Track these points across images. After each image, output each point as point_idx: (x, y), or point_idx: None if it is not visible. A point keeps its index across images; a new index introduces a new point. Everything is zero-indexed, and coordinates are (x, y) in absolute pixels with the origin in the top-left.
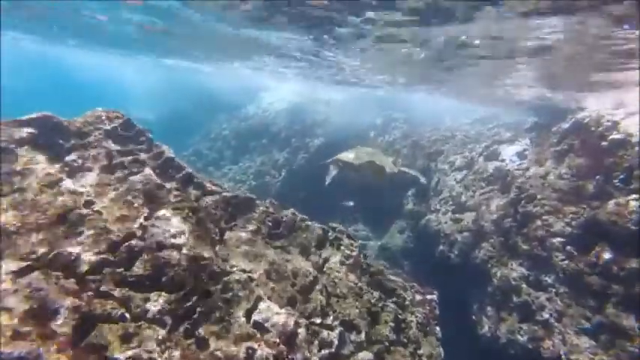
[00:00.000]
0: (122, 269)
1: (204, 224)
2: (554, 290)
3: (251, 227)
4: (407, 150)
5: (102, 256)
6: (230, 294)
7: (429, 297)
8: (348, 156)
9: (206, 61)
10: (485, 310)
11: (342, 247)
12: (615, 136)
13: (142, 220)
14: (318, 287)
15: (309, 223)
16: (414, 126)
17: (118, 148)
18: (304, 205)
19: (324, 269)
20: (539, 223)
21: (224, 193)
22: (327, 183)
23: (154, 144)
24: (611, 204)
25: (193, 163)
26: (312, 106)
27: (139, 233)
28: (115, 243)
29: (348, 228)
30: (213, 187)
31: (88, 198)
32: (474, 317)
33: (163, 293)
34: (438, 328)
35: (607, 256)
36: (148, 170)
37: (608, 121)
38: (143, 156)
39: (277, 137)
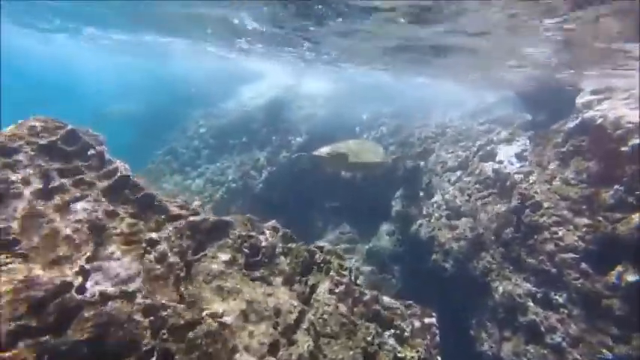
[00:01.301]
0: (48, 337)
1: (166, 259)
2: (566, 312)
3: (224, 257)
4: (395, 148)
5: (18, 322)
6: (197, 352)
7: (427, 321)
8: (322, 150)
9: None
10: (485, 326)
11: (332, 272)
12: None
13: (83, 262)
14: (304, 326)
15: (293, 245)
16: (402, 121)
17: (59, 166)
18: (287, 207)
19: (312, 301)
20: (547, 235)
21: (191, 217)
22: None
23: (106, 159)
24: (636, 218)
25: (168, 163)
26: (295, 101)
27: (77, 282)
28: (40, 301)
29: (333, 229)
30: (179, 210)
31: (10, 236)
32: (472, 332)
33: None
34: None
35: (632, 278)
36: (95, 193)
37: (629, 122)
38: (91, 175)
39: (258, 135)
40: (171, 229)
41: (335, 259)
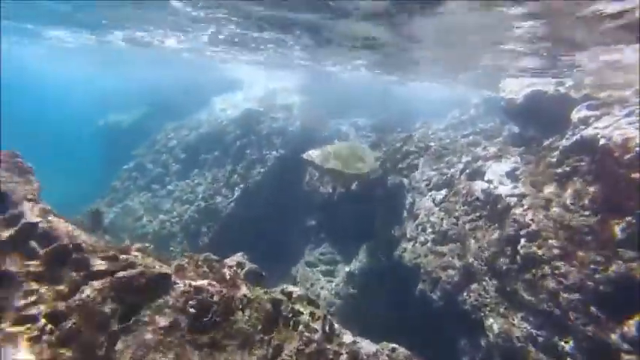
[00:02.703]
0: None
1: (75, 340)
2: None
3: (163, 322)
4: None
5: None
6: None
7: None
8: (312, 153)
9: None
10: None
11: (301, 327)
12: None
13: None
14: None
15: (252, 295)
16: (382, 133)
17: None
18: (261, 228)
19: None
20: (547, 270)
21: (120, 273)
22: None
23: (11, 200)
24: None
25: (134, 180)
26: (269, 112)
27: None
28: None
29: (313, 250)
30: (105, 264)
31: None
32: None
33: None
34: None
35: None
36: None
37: (639, 146)
38: None
39: (231, 148)
40: (88, 292)
41: (305, 307)
